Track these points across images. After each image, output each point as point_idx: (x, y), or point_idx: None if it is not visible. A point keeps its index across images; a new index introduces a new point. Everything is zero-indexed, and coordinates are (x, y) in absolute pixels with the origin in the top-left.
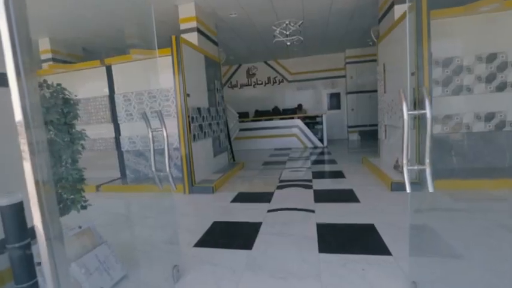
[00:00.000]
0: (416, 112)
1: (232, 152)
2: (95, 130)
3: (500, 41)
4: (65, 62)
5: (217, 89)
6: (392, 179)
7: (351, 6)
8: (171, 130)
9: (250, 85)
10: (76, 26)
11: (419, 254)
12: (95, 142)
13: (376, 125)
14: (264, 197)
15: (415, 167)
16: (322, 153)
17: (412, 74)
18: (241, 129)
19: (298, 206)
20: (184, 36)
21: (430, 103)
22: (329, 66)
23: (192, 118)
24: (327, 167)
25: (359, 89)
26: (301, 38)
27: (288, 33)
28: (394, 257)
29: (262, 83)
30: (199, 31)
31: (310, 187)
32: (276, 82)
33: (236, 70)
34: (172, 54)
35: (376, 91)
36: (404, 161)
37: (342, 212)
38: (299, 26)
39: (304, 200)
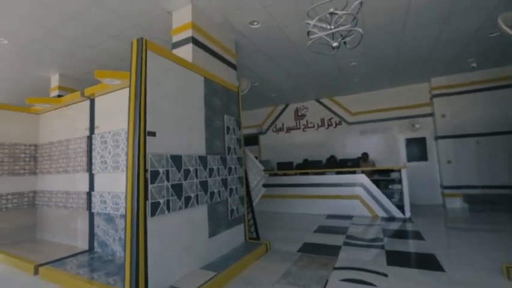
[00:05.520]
0: None
1: (255, 224)
2: (72, 181)
3: None
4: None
5: (228, 129)
6: None
7: None
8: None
9: (299, 128)
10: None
11: None
12: (68, 196)
13: (498, 187)
14: None
15: None
16: (405, 233)
17: None
18: (282, 185)
19: None
20: (175, 51)
21: None
22: (406, 102)
23: (155, 174)
24: (423, 280)
25: (457, 131)
26: (361, 31)
27: (332, 27)
28: None
29: (313, 126)
30: (195, 42)
31: None
32: (331, 125)
33: (282, 111)
34: (130, 67)
35: (489, 134)
36: None
37: None
38: (356, 12)
39: None
